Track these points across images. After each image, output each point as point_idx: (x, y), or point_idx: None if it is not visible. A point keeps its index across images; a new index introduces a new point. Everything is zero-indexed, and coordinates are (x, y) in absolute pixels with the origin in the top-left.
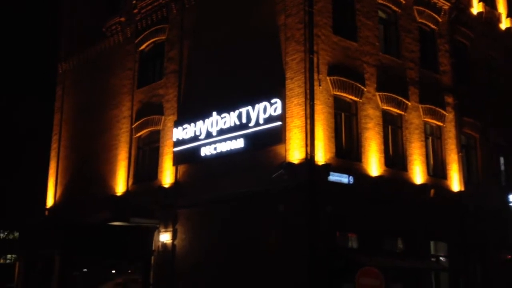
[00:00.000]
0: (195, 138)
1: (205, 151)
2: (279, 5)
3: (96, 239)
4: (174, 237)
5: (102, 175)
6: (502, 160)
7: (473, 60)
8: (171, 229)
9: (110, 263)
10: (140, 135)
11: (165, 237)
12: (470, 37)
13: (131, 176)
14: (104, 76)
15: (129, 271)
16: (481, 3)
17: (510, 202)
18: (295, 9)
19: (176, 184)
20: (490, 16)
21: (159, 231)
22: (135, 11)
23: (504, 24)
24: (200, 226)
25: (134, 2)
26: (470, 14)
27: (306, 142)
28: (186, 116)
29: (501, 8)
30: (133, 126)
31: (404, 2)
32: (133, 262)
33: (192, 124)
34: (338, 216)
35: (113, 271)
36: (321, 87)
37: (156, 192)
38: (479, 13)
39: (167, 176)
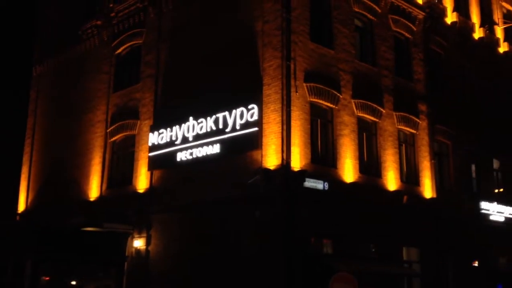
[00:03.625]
0: (171, 143)
1: (181, 156)
2: (257, 11)
3: (69, 245)
4: (148, 243)
5: (76, 179)
6: (473, 167)
7: (447, 68)
8: (145, 234)
9: (82, 268)
10: (115, 140)
11: (139, 243)
12: (444, 46)
13: (105, 181)
14: (80, 80)
15: (102, 277)
16: (455, 13)
17: (482, 209)
18: (273, 16)
19: (151, 189)
20: (463, 26)
21: (133, 237)
22: (112, 14)
23: (477, 34)
24: (174, 232)
25: (111, 5)
26: (444, 23)
27: (282, 148)
28: (162, 120)
29: (475, 18)
30: (108, 131)
31: (379, 11)
32: (106, 268)
33: (168, 129)
34: (314, 222)
35: (86, 277)
36: (297, 94)
37: (130, 197)
38: (453, 23)
39: (142, 181)
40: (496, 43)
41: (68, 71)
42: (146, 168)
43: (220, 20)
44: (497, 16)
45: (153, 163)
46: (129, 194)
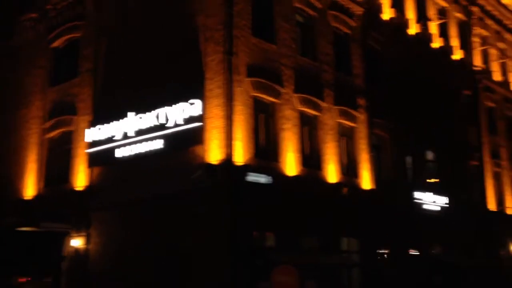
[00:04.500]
0: (110, 139)
1: (121, 152)
2: (199, 5)
3: (3, 245)
4: (87, 242)
5: (10, 178)
6: (409, 159)
7: (384, 63)
8: (84, 233)
9: (18, 269)
10: (52, 136)
11: (77, 242)
12: (382, 41)
13: (41, 179)
14: (15, 74)
15: (40, 277)
16: (391, 9)
17: (416, 199)
18: (215, 10)
19: (90, 187)
20: (400, 21)
21: (72, 236)
22: (49, 6)
23: (413, 30)
24: (115, 230)
25: None
26: (382, 19)
27: (226, 143)
28: (101, 116)
29: (410, 14)
30: (45, 127)
31: (320, 6)
32: (43, 268)
33: (108, 124)
34: (256, 216)
35: (23, 278)
36: (240, 88)
37: (69, 195)
38: (390, 19)
39: (80, 179)
40: (431, 38)
41: (1, 65)
42: (85, 165)
43: (162, 13)
44: (432, 12)
45: (93, 160)
46: (67, 192)
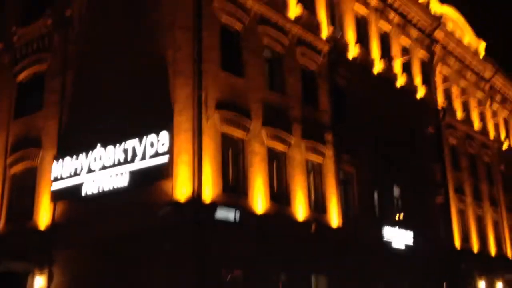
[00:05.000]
0: (75, 174)
1: (87, 188)
2: (169, 39)
3: None
4: (49, 281)
5: None
6: (376, 194)
7: (351, 99)
8: (46, 272)
9: None
10: (15, 170)
11: (40, 281)
12: (347, 78)
13: (3, 215)
14: None
15: None
16: (357, 47)
17: (384, 235)
18: (185, 44)
19: (54, 224)
20: (365, 59)
21: (34, 275)
22: (15, 38)
23: (378, 67)
24: (80, 269)
25: (14, 28)
26: (348, 56)
27: (194, 178)
28: (67, 150)
29: (375, 52)
30: (7, 161)
31: (287, 43)
32: None
33: (73, 159)
34: (224, 253)
35: None
36: (209, 122)
37: (31, 232)
38: (355, 56)
39: (44, 215)
40: (395, 76)
41: None
42: (49, 201)
43: (130, 46)
44: (396, 50)
45: (57, 196)
46: (29, 229)
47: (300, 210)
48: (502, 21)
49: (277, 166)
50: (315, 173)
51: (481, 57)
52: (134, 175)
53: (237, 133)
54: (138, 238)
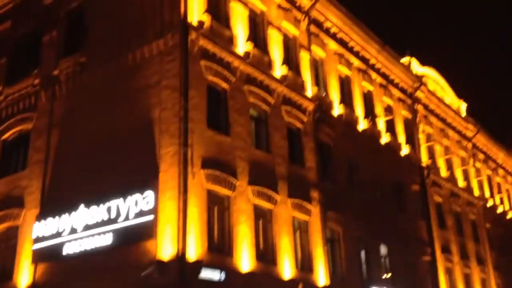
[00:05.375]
0: (58, 234)
1: (69, 249)
2: (155, 98)
3: None
4: None
5: None
6: (363, 253)
7: (336, 157)
8: None
9: None
10: None
11: None
12: (332, 136)
13: None
14: None
15: None
16: (341, 106)
17: None
18: (171, 103)
19: (34, 285)
20: (349, 117)
21: None
22: (1, 97)
23: (362, 125)
24: None
25: (0, 88)
26: (332, 115)
27: (178, 237)
28: (50, 209)
29: (359, 111)
30: None
31: (273, 102)
32: None
33: (56, 219)
34: None
35: None
36: (194, 180)
37: None
38: (340, 115)
39: (24, 277)
40: (379, 134)
41: None
42: (30, 262)
43: (116, 105)
44: (379, 109)
45: (38, 256)
46: None
47: (287, 269)
48: (482, 82)
49: (263, 224)
50: (301, 231)
51: (462, 116)
52: (117, 234)
53: (223, 191)
54: None
